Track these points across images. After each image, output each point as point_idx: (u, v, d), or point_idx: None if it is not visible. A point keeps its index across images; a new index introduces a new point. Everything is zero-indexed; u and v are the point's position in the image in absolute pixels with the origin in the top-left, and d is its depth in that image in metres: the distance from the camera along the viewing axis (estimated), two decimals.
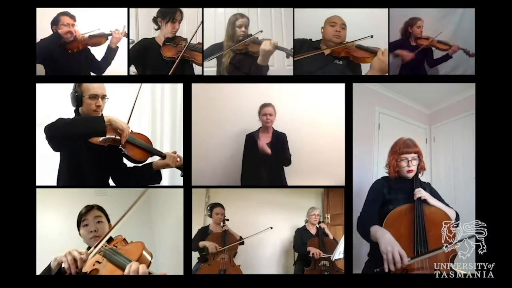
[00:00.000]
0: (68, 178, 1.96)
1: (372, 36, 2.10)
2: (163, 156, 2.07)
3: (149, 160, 2.10)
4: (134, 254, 1.60)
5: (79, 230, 1.83)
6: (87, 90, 1.93)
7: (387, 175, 2.04)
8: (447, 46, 2.27)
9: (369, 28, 2.16)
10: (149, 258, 1.64)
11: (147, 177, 2.09)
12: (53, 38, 2.15)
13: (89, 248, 1.80)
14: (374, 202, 1.96)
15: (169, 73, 2.16)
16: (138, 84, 2.18)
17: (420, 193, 1.87)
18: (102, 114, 1.96)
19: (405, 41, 2.31)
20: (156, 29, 2.26)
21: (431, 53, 2.34)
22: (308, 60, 2.16)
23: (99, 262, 1.60)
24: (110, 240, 1.76)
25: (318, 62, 2.18)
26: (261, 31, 2.20)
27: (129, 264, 1.52)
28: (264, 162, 2.42)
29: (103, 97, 1.97)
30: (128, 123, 2.01)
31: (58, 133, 1.78)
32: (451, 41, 2.26)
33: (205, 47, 2.18)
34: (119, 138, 1.92)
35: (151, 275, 1.52)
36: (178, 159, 2.07)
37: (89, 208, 1.83)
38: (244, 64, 2.23)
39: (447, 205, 1.92)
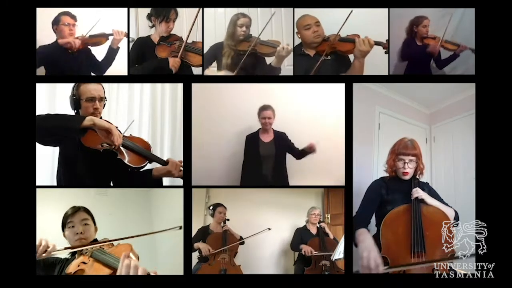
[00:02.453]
0: (64, 178, 1.96)
1: (343, 24, 2.08)
2: (163, 163, 2.04)
3: (149, 166, 2.07)
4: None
5: (63, 231, 1.79)
6: (84, 93, 1.93)
7: (385, 174, 2.04)
8: (455, 46, 2.25)
9: (369, 26, 2.16)
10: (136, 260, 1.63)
11: (146, 184, 2.08)
12: (53, 46, 2.15)
13: (73, 250, 1.78)
14: (370, 203, 1.97)
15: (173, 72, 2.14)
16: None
17: (418, 193, 1.88)
18: (100, 117, 1.96)
19: (411, 41, 2.30)
20: (150, 27, 2.24)
21: (439, 54, 2.31)
22: (299, 65, 2.18)
23: (84, 263, 1.59)
24: (95, 242, 1.74)
25: (308, 64, 2.18)
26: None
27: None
28: (265, 162, 2.42)
29: (101, 99, 1.95)
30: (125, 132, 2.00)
31: (40, 124, 1.78)
32: (457, 41, 2.24)
33: (205, 49, 2.18)
34: (109, 144, 1.86)
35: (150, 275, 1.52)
36: (181, 169, 2.04)
37: (75, 210, 1.80)
38: (250, 65, 2.21)
39: (446, 204, 1.92)
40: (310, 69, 2.15)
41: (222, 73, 2.19)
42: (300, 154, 2.47)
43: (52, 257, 1.75)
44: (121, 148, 1.96)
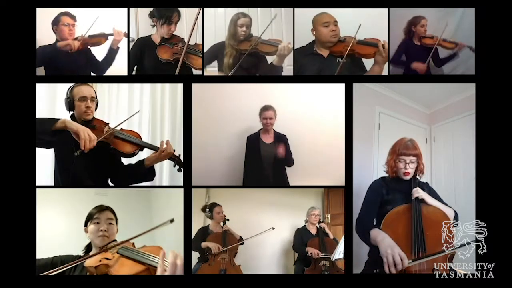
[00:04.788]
0: (62, 180, 1.98)
1: (360, 25, 2.08)
2: (155, 149, 2.07)
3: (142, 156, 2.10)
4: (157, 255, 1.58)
5: (86, 226, 1.81)
6: (76, 94, 2.00)
7: (385, 174, 2.04)
8: (453, 44, 2.25)
9: (369, 26, 2.16)
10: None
11: (140, 175, 2.11)
12: (52, 48, 2.16)
13: (88, 247, 1.80)
14: (372, 203, 1.97)
15: (176, 73, 2.15)
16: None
17: (418, 192, 1.87)
18: (92, 116, 2.03)
19: (409, 41, 2.30)
20: (152, 26, 2.23)
21: (437, 52, 2.31)
22: (311, 65, 2.17)
23: (107, 259, 1.59)
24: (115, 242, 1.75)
25: (322, 65, 2.17)
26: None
27: (158, 260, 1.47)
28: (266, 163, 2.42)
29: (92, 99, 2.01)
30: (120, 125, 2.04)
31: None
32: (455, 39, 2.24)
33: (205, 49, 2.18)
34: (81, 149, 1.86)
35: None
36: (166, 146, 2.04)
37: (102, 208, 1.83)
38: (252, 64, 2.21)
39: (445, 204, 1.92)
40: (323, 70, 2.14)
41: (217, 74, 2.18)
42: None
43: (62, 256, 1.76)
44: (114, 139, 2.00)
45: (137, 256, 1.58)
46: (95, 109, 2.05)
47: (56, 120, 1.88)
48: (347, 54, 2.12)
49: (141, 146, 2.06)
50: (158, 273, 1.36)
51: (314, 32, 2.19)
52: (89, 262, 1.58)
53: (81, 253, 1.80)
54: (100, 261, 1.57)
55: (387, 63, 2.13)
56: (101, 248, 1.68)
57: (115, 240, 1.78)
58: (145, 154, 2.12)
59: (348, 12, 2.16)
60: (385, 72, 2.16)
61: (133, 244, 1.71)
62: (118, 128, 2.03)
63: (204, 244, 2.40)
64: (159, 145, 2.06)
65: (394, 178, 2.00)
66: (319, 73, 2.15)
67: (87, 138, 1.86)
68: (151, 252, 1.61)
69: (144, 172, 2.09)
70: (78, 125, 1.89)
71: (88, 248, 1.81)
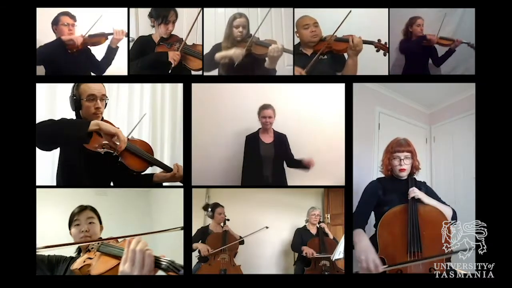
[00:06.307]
0: (64, 181, 1.95)
1: (341, 24, 2.09)
2: (168, 170, 2.02)
3: (149, 170, 2.05)
4: None
5: (70, 229, 1.83)
6: (84, 92, 1.87)
7: (382, 175, 2.04)
8: (449, 41, 2.27)
9: (368, 27, 2.16)
10: None
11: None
12: (56, 43, 2.15)
13: (79, 248, 1.79)
14: (366, 205, 1.97)
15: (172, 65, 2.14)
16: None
17: (414, 192, 1.88)
18: (102, 117, 1.94)
19: (408, 41, 2.30)
20: (152, 26, 2.23)
21: (435, 52, 2.33)
22: (296, 63, 2.17)
23: (90, 258, 1.59)
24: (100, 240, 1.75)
25: (305, 62, 2.17)
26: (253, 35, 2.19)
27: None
28: (265, 163, 2.42)
29: (102, 97, 1.91)
30: (129, 135, 1.99)
31: (43, 131, 1.73)
32: (453, 36, 2.27)
33: (205, 50, 2.17)
34: (117, 143, 1.80)
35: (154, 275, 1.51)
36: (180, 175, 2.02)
37: (82, 209, 1.83)
38: (249, 66, 2.20)
39: (443, 203, 1.92)
40: (307, 67, 2.15)
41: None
42: (294, 163, 2.46)
43: (57, 256, 1.77)
44: (124, 150, 1.91)
45: (112, 250, 1.57)
46: (104, 109, 1.93)
47: (87, 123, 1.74)
48: (327, 51, 2.17)
49: (152, 164, 1.98)
50: (121, 264, 1.31)
51: (297, 34, 2.22)
52: (74, 265, 1.58)
53: (73, 254, 1.80)
54: (84, 261, 1.57)
55: (387, 63, 2.14)
56: (85, 249, 1.67)
57: (100, 238, 1.77)
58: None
59: (347, 12, 2.16)
60: (385, 72, 2.16)
61: (116, 240, 1.70)
62: (129, 136, 1.96)
63: (194, 246, 2.38)
64: (172, 167, 1.99)
65: (390, 177, 2.01)
66: (306, 70, 2.16)
67: (124, 139, 1.80)
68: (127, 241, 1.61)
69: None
70: (112, 126, 1.80)
71: (80, 249, 1.80)
